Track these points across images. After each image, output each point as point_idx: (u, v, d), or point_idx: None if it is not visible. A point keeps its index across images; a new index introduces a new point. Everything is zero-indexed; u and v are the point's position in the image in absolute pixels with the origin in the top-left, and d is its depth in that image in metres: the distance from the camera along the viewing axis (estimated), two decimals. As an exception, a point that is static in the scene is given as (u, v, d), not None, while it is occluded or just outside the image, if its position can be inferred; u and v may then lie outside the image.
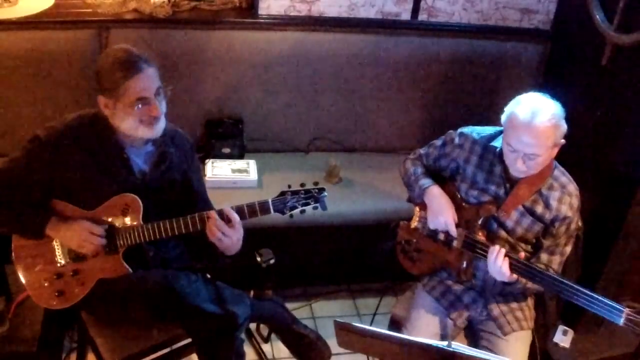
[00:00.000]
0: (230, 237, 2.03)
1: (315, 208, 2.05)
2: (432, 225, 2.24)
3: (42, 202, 2.07)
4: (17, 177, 2.03)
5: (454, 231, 2.17)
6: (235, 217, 2.02)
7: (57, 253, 2.11)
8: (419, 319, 2.28)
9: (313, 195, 2.04)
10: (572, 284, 1.98)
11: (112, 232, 2.08)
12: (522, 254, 2.08)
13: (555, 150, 2.04)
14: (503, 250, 2.03)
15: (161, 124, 2.03)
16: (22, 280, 2.14)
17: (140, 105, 1.96)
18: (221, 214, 2.02)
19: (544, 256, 2.14)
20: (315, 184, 2.07)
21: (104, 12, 2.82)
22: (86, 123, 2.05)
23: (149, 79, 1.96)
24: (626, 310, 1.85)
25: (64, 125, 2.04)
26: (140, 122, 1.98)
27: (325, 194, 2.05)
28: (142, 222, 2.06)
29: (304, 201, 2.03)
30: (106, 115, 2.03)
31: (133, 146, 2.09)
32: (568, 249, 2.16)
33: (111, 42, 2.82)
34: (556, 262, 2.13)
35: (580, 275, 2.29)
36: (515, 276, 2.04)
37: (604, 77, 2.85)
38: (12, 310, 2.34)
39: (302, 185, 2.05)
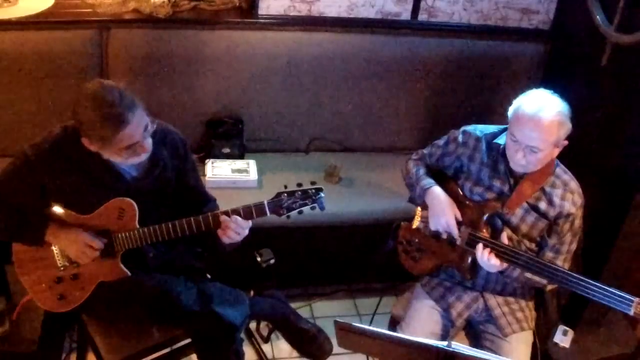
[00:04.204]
0: (241, 235, 2.04)
1: (313, 208, 2.03)
2: (433, 226, 2.24)
3: (39, 210, 2.06)
4: (10, 193, 2.04)
5: (455, 232, 2.18)
6: (240, 220, 2.02)
7: (56, 257, 2.11)
8: (414, 317, 2.28)
9: (310, 196, 2.01)
10: (565, 270, 1.99)
11: (109, 237, 2.07)
12: (505, 238, 2.09)
13: (557, 151, 2.04)
14: (480, 246, 2.08)
15: (149, 147, 1.99)
16: (24, 285, 2.14)
17: (129, 151, 1.93)
18: (228, 215, 2.03)
19: (548, 254, 2.14)
20: (313, 183, 2.04)
21: (104, 12, 2.82)
22: (71, 135, 1.99)
23: (136, 127, 1.89)
24: (636, 299, 1.85)
25: (50, 141, 2.01)
26: (125, 159, 1.97)
27: (322, 194, 2.02)
28: (138, 226, 2.06)
29: (300, 202, 2.01)
30: None
31: None
32: (573, 247, 2.17)
33: (111, 42, 2.81)
34: (560, 259, 2.14)
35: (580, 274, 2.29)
36: (505, 263, 2.07)
37: (604, 77, 2.85)
38: (17, 313, 2.33)
39: (299, 185, 2.03)
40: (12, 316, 2.31)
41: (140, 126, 1.91)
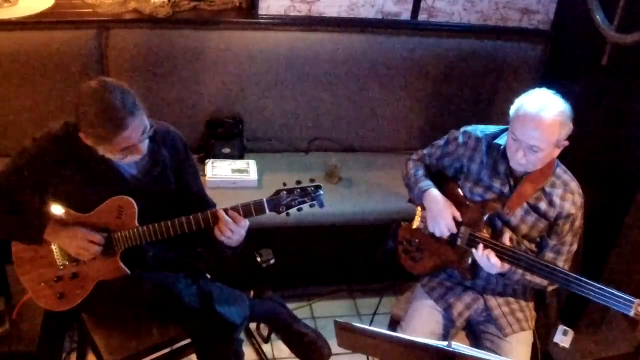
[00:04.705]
0: (238, 233, 2.04)
1: (312, 206, 2.03)
2: (431, 228, 2.24)
3: (38, 209, 2.06)
4: (10, 189, 2.04)
5: (454, 231, 2.17)
6: (239, 217, 2.02)
7: (55, 256, 2.12)
8: (414, 317, 2.28)
9: (309, 193, 2.01)
10: (566, 271, 1.98)
11: (108, 235, 2.08)
12: (507, 239, 2.08)
13: (557, 151, 2.04)
14: (481, 245, 2.07)
15: (144, 149, 2.00)
16: (24, 284, 2.15)
17: (124, 151, 1.93)
18: (226, 212, 2.02)
19: (549, 255, 2.14)
20: (312, 180, 2.04)
21: (104, 12, 2.82)
22: (72, 132, 1.99)
23: (134, 131, 1.89)
24: (637, 301, 1.85)
25: (51, 137, 2.01)
26: (118, 158, 1.97)
27: (322, 191, 2.02)
28: (137, 224, 2.06)
29: (300, 199, 2.01)
30: None
31: None
32: (574, 248, 2.16)
33: (111, 42, 2.81)
34: (561, 260, 2.14)
35: (581, 275, 2.29)
36: (507, 265, 2.06)
37: (604, 77, 2.85)
38: (16, 311, 2.33)
39: (298, 182, 2.03)
40: (12, 315, 2.31)
41: (138, 129, 1.90)
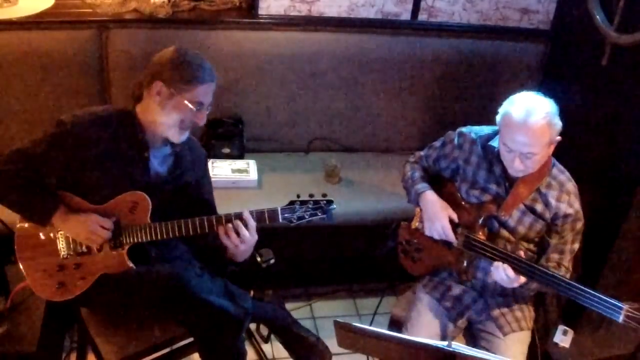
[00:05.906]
0: (246, 242, 2.04)
1: (322, 219, 2.07)
2: (428, 231, 2.24)
3: (54, 188, 2.06)
4: (35, 158, 2.01)
5: (451, 236, 2.17)
6: (252, 222, 2.04)
7: (59, 245, 2.11)
8: (419, 319, 2.28)
9: (321, 207, 2.06)
10: (569, 281, 1.98)
11: (118, 228, 2.08)
12: (521, 252, 2.08)
13: (552, 148, 2.04)
14: (499, 264, 2.04)
15: (188, 133, 2.09)
16: (23, 270, 2.12)
17: (194, 109, 2.00)
18: (240, 218, 2.03)
19: (554, 255, 2.14)
20: (324, 195, 2.09)
21: (104, 12, 2.82)
22: (113, 116, 2.04)
23: (210, 91, 2.04)
24: (625, 307, 1.85)
25: (91, 115, 2.03)
26: (179, 123, 2.02)
27: (334, 206, 2.07)
28: (149, 221, 2.06)
29: (311, 212, 2.05)
30: (135, 112, 2.05)
31: (154, 147, 2.10)
32: (576, 246, 2.16)
33: (111, 42, 2.82)
34: (566, 260, 2.13)
35: (580, 275, 2.29)
36: (522, 279, 2.03)
37: (604, 77, 2.85)
38: (10, 299, 2.32)
39: (311, 195, 2.07)
40: (7, 303, 2.29)
41: (212, 94, 2.05)
